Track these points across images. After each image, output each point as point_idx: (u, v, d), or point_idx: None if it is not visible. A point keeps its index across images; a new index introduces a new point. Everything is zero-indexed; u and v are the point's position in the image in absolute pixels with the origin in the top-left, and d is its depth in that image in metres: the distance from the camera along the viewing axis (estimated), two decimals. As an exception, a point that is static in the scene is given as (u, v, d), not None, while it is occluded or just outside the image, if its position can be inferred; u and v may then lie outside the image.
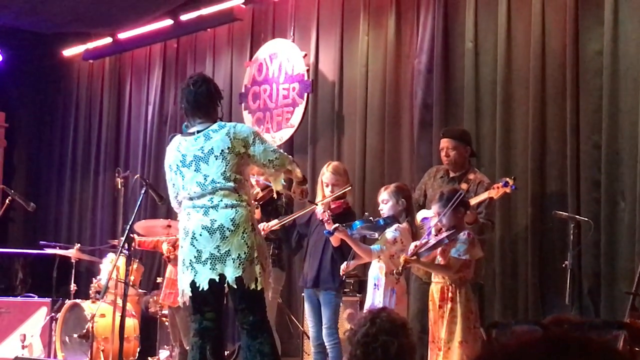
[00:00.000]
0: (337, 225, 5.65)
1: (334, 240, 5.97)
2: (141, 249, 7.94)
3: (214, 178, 4.84)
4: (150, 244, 7.52)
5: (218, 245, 4.79)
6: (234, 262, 4.77)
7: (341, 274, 5.99)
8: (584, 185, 6.55)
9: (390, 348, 2.89)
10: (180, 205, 5.03)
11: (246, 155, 4.91)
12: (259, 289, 4.84)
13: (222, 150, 4.85)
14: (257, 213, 6.07)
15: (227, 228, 4.79)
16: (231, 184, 4.85)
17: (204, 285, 4.82)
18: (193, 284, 4.85)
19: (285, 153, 5.25)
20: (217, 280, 4.79)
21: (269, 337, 4.96)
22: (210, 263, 4.80)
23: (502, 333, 1.73)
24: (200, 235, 4.82)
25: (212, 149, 4.87)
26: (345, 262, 5.89)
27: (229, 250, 4.78)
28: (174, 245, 7.25)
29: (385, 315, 3.00)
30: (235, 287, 4.79)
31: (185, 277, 4.90)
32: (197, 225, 4.84)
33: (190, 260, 4.86)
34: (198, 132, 4.95)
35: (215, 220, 4.81)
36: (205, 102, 5.04)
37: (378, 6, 8.27)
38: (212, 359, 4.90)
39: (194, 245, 4.84)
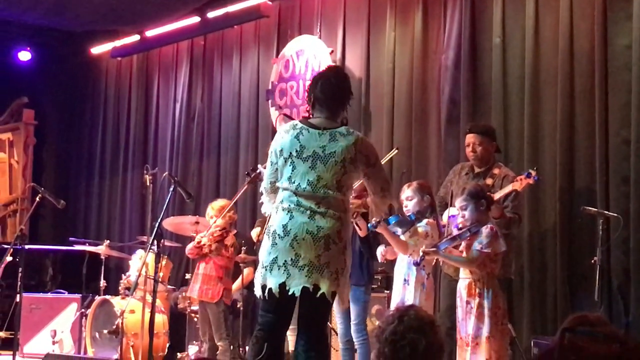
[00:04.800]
0: (378, 219, 5.65)
1: (361, 231, 5.98)
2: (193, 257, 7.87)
3: (327, 183, 4.62)
4: (195, 251, 7.49)
5: (319, 255, 4.57)
6: (331, 275, 4.58)
7: (380, 259, 5.99)
8: (612, 181, 6.51)
9: (418, 346, 2.89)
10: (275, 193, 4.79)
11: (362, 172, 4.73)
12: (347, 305, 4.78)
13: (344, 158, 4.63)
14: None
15: (333, 240, 4.59)
16: (340, 194, 4.65)
17: (295, 290, 4.60)
18: (283, 286, 4.62)
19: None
20: (311, 289, 4.59)
21: (326, 348, 4.88)
22: (307, 270, 4.57)
23: (577, 339, 1.72)
24: (304, 239, 4.58)
25: (334, 152, 4.63)
26: (382, 246, 5.88)
27: (328, 262, 4.58)
28: (210, 239, 7.30)
29: (413, 313, 2.99)
30: (330, 300, 4.62)
31: (275, 276, 4.65)
32: (301, 227, 4.60)
33: (285, 262, 4.61)
34: (325, 128, 4.70)
35: (322, 228, 4.58)
36: (340, 99, 4.82)
37: (405, 2, 8.26)
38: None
39: (293, 247, 4.59)
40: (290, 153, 4.69)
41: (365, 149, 4.71)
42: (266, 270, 4.68)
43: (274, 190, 4.80)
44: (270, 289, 4.65)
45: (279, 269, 4.63)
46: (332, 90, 4.79)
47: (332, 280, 4.58)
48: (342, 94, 4.83)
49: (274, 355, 4.75)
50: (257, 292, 4.78)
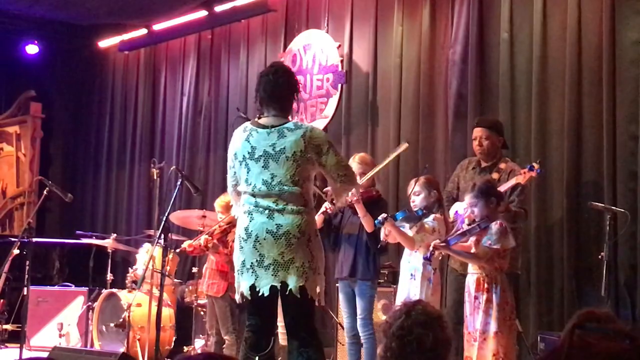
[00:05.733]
0: (385, 215, 5.65)
1: (368, 225, 5.98)
2: (192, 255, 7.90)
3: (282, 180, 4.67)
4: (198, 249, 7.50)
5: (282, 252, 4.64)
6: (297, 270, 4.63)
7: (382, 238, 5.95)
8: (620, 176, 6.49)
9: (426, 341, 2.89)
10: (239, 195, 4.86)
11: (317, 162, 4.74)
12: (315, 298, 4.72)
13: (295, 153, 4.67)
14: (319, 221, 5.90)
15: (293, 235, 4.64)
16: (298, 188, 4.68)
17: (264, 290, 4.68)
18: (253, 288, 4.71)
19: (354, 171, 5.06)
20: (279, 287, 4.67)
21: (319, 344, 4.86)
22: (273, 269, 4.65)
23: (586, 336, 1.72)
24: (265, 239, 4.66)
25: (284, 148, 4.68)
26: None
27: (292, 257, 4.64)
28: (212, 235, 7.28)
29: (421, 308, 2.99)
30: (298, 295, 4.65)
31: (245, 279, 4.76)
32: (261, 228, 4.67)
33: (252, 264, 4.70)
34: (272, 126, 4.76)
35: (281, 226, 4.64)
36: (283, 95, 4.83)
37: (412, -4, 8.25)
38: (251, 352, 4.83)
39: (256, 249, 4.68)
40: (244, 156, 4.78)
41: (315, 139, 4.73)
42: (239, 274, 4.81)
43: (238, 193, 4.89)
44: (242, 292, 4.78)
45: (247, 271, 4.74)
46: (272, 89, 4.82)
47: (299, 275, 4.65)
48: (282, 90, 4.84)
49: (270, 354, 4.83)
50: (237, 296, 4.91)
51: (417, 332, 2.90)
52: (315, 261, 4.71)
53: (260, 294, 4.69)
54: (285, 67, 5.12)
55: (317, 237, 4.80)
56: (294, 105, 4.98)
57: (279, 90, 4.83)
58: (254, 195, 4.74)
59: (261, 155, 4.72)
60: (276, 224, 4.66)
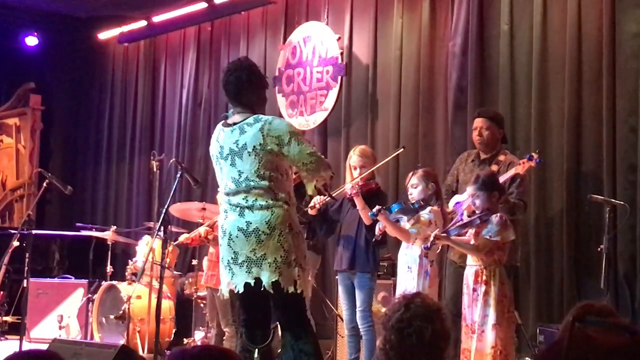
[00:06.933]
0: (379, 207, 5.65)
1: (367, 218, 5.98)
2: (191, 246, 7.93)
3: (248, 176, 4.72)
4: (197, 239, 7.52)
5: (254, 249, 4.69)
6: (270, 266, 4.66)
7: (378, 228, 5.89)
8: (619, 169, 6.49)
9: (425, 333, 2.89)
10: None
11: (280, 153, 4.72)
12: (298, 291, 4.72)
13: (255, 147, 4.69)
14: None
15: (263, 231, 4.67)
16: (265, 182, 4.71)
17: (239, 287, 4.75)
18: (229, 285, 4.82)
19: (323, 157, 4.98)
20: (253, 284, 4.70)
21: (311, 336, 4.87)
22: (247, 266, 4.71)
23: (586, 329, 1.72)
24: (237, 237, 4.73)
25: (245, 144, 4.71)
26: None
27: (264, 254, 4.67)
28: (212, 227, 7.28)
29: (420, 300, 3.00)
30: (271, 291, 4.69)
31: (224, 276, 4.87)
32: (233, 226, 4.75)
33: (228, 261, 4.79)
34: (235, 123, 4.80)
35: (251, 223, 4.69)
36: (239, 92, 4.84)
37: (412, -12, 8.24)
38: (251, 344, 4.84)
39: (230, 246, 4.76)
40: (216, 156, 4.89)
41: (274, 131, 4.73)
42: (220, 271, 4.94)
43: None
44: (221, 289, 4.92)
45: (225, 268, 4.85)
46: (229, 86, 4.88)
47: (272, 271, 4.68)
48: (238, 86, 4.85)
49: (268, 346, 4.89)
50: (219, 294, 5.10)
51: (417, 325, 2.90)
52: (289, 255, 4.71)
53: (236, 290, 4.78)
54: (239, 62, 5.04)
55: (292, 231, 4.76)
56: (261, 97, 4.98)
57: (237, 86, 4.85)
58: (227, 195, 4.83)
59: (228, 154, 4.79)
60: (246, 222, 4.72)
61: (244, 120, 4.79)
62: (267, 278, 4.68)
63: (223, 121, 4.95)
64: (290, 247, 4.72)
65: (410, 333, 2.89)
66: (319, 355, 4.91)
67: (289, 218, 4.79)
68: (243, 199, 4.74)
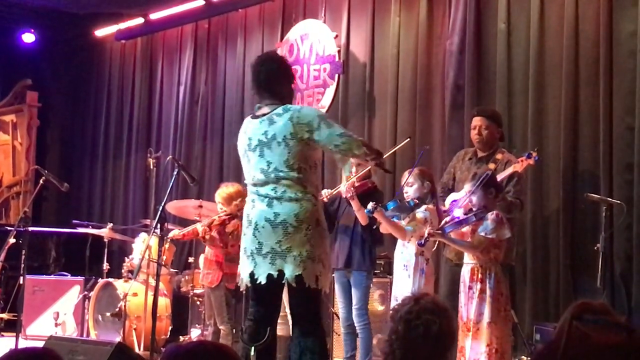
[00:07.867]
0: (375, 204, 5.64)
1: (363, 219, 5.98)
2: (184, 240, 7.93)
3: (277, 166, 4.66)
4: (191, 234, 7.52)
5: (279, 241, 4.64)
6: (294, 259, 4.62)
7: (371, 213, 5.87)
8: (616, 168, 6.50)
9: (432, 327, 2.92)
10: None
11: (311, 141, 4.67)
12: (319, 287, 4.69)
13: (285, 137, 4.64)
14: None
15: (290, 224, 4.62)
16: (295, 173, 4.66)
17: (261, 279, 4.69)
18: (252, 275, 4.74)
19: (356, 136, 4.90)
20: (276, 276, 4.66)
21: (321, 336, 4.84)
22: (271, 257, 4.66)
23: (584, 327, 1.73)
24: (263, 227, 4.67)
25: (274, 134, 4.67)
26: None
27: (290, 246, 4.62)
28: (210, 226, 7.28)
29: (430, 298, 3.07)
30: (294, 285, 4.65)
31: (246, 266, 4.79)
32: (260, 216, 4.69)
33: (252, 251, 4.73)
34: (264, 115, 4.76)
35: (279, 214, 4.64)
36: (270, 82, 4.82)
37: (410, -14, 8.24)
38: (251, 343, 4.81)
39: (255, 237, 4.71)
40: (244, 149, 4.85)
41: (303, 119, 4.69)
42: (241, 260, 4.87)
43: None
44: (242, 279, 4.84)
45: (247, 258, 4.79)
46: (258, 78, 4.86)
47: (296, 264, 4.64)
48: (268, 77, 4.84)
49: (266, 344, 4.80)
50: (240, 284, 4.96)
51: (425, 318, 2.94)
52: (315, 250, 4.68)
53: (258, 281, 4.71)
54: (271, 55, 5.16)
55: (319, 226, 4.74)
56: (290, 90, 4.98)
57: (267, 78, 4.84)
58: (255, 185, 4.78)
59: (257, 145, 4.75)
60: (274, 213, 4.67)
61: (273, 110, 4.75)
62: (290, 271, 4.63)
63: (252, 114, 4.92)
64: (316, 242, 4.69)
65: (418, 325, 2.93)
66: (324, 354, 4.87)
67: (317, 213, 4.76)
68: (272, 189, 4.69)
